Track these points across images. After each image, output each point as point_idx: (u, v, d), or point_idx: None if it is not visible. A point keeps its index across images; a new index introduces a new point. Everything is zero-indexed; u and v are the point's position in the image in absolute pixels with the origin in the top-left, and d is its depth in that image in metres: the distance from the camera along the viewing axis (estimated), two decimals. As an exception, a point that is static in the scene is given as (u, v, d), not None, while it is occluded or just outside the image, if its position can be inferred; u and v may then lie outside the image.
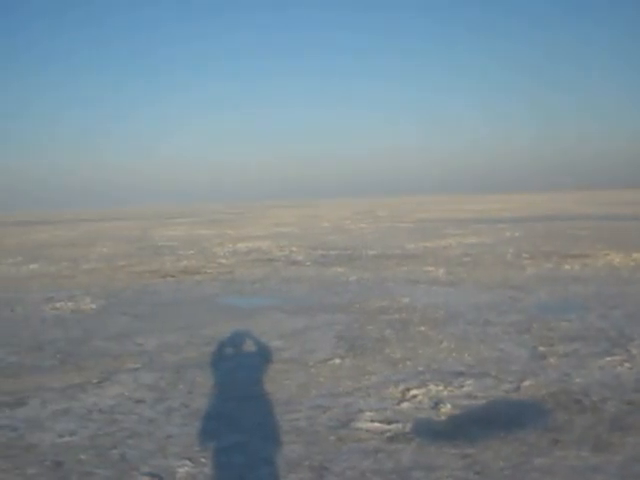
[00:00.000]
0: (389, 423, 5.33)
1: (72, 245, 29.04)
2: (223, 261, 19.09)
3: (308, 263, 17.83)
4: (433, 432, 5.13)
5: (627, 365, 6.77)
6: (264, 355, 7.77)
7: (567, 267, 14.94)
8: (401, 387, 6.27)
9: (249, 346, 8.31)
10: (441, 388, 6.20)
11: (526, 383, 6.29)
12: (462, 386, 6.26)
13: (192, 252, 22.49)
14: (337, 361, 7.36)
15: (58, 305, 11.97)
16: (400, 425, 5.28)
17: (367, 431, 5.19)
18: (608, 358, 7.05)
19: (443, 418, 5.48)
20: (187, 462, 4.66)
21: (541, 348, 7.60)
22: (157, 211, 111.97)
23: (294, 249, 22.13)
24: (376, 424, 5.32)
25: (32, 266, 19.83)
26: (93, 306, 11.81)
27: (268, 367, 7.21)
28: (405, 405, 5.79)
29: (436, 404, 5.77)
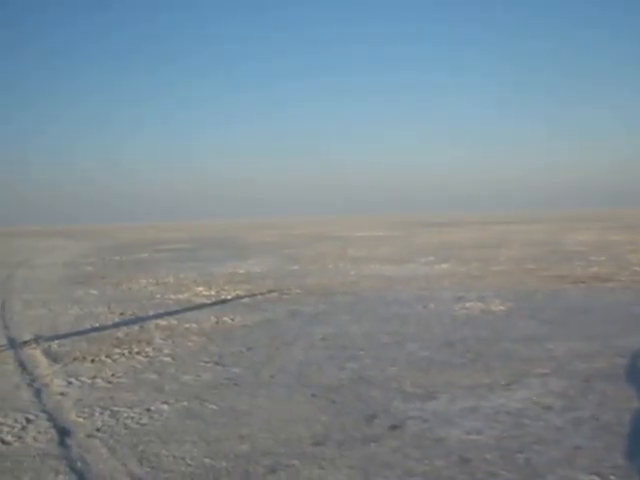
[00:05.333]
0: None
1: (480, 247, 29.69)
2: (637, 269, 18.02)
3: None
4: None
5: None
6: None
7: None
8: None
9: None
10: None
11: None
12: None
13: (603, 258, 21.58)
14: None
15: (468, 305, 12.33)
16: None
17: None
18: None
19: None
20: (595, 477, 4.48)
21: None
22: (563, 215, 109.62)
23: None
24: None
25: (443, 265, 20.74)
26: (502, 308, 11.95)
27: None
28: None
29: None
